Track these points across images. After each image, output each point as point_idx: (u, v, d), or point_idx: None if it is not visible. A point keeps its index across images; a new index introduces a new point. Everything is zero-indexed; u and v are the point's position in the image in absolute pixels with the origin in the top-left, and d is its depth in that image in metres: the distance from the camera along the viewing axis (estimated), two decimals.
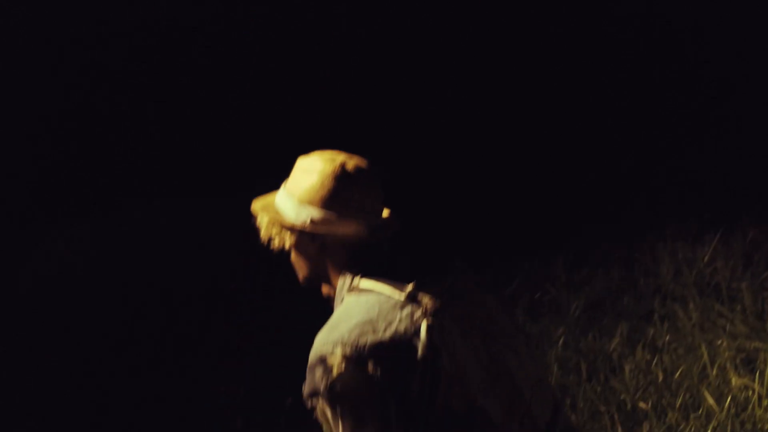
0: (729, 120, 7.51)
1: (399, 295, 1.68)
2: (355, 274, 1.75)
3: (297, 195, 1.77)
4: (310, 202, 1.74)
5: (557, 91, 8.10)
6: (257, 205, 1.85)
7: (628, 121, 7.90)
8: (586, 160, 7.19)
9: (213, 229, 7.97)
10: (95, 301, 6.44)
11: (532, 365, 1.80)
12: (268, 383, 4.29)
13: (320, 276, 1.82)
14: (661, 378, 3.88)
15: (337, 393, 1.58)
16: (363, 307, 1.67)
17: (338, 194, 1.73)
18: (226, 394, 4.28)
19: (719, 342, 4.12)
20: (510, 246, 5.80)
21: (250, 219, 1.84)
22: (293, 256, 1.83)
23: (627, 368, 4.04)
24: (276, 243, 1.81)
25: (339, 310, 1.74)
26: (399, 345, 1.61)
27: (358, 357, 1.59)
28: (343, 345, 1.61)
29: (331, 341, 1.63)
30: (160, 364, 4.75)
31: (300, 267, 1.84)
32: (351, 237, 1.75)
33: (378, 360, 1.59)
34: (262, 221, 1.83)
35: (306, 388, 1.64)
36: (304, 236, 1.77)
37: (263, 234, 1.82)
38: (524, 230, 6.05)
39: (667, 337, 4.23)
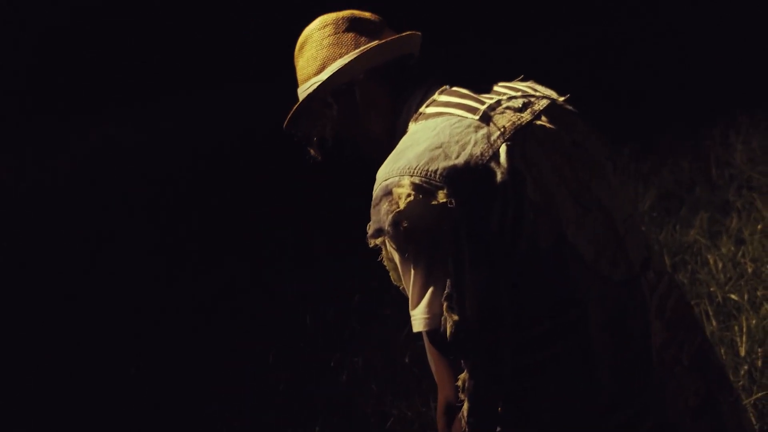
0: None
1: (472, 116, 1.45)
2: (413, 101, 1.55)
3: (309, 73, 1.61)
4: (323, 65, 1.59)
5: None
6: (287, 120, 1.65)
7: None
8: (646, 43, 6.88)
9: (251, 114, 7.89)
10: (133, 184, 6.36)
11: (622, 198, 1.57)
12: None
13: (386, 132, 1.60)
14: (751, 270, 3.69)
15: (405, 228, 1.35)
16: (431, 132, 1.44)
17: (338, 38, 1.59)
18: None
19: None
20: None
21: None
22: (350, 132, 1.64)
23: (711, 260, 3.85)
24: (327, 131, 1.64)
25: (403, 139, 1.51)
26: (475, 170, 1.36)
27: (428, 185, 1.35)
28: (411, 173, 1.37)
29: (396, 170, 1.40)
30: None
31: (365, 138, 1.64)
32: (381, 61, 1.58)
33: (452, 188, 1.35)
34: (300, 125, 1.65)
35: (370, 227, 1.41)
36: (341, 99, 1.59)
37: (312, 135, 1.65)
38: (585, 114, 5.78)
39: (759, 227, 4.01)
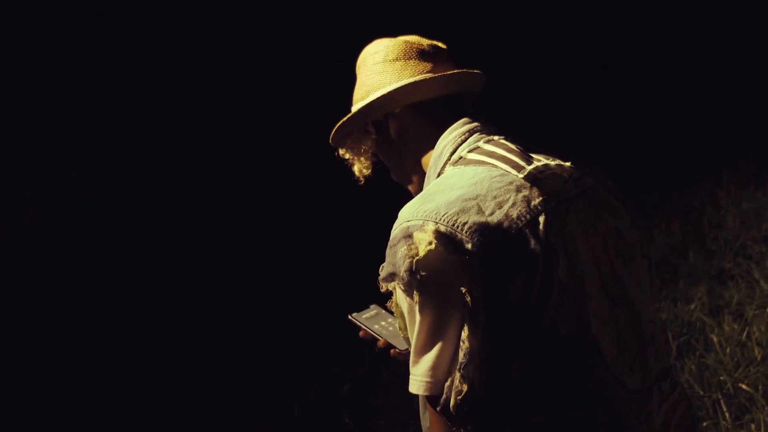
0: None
1: (516, 173, 1.31)
2: (452, 141, 1.42)
3: (357, 96, 1.55)
4: (368, 92, 1.51)
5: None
6: (330, 136, 1.59)
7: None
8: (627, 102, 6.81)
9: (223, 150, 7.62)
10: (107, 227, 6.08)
11: (651, 300, 1.44)
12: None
13: (420, 168, 1.50)
14: (759, 356, 3.55)
15: (420, 278, 1.23)
16: (468, 180, 1.31)
17: (384, 66, 1.51)
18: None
19: None
20: None
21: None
22: (386, 162, 1.57)
23: (716, 341, 3.71)
24: (365, 156, 1.56)
25: (436, 181, 1.37)
26: (508, 233, 1.24)
27: (453, 237, 1.23)
28: (437, 219, 1.25)
29: (422, 213, 1.28)
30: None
31: (398, 170, 1.56)
32: (421, 97, 1.47)
33: (479, 246, 1.22)
34: (343, 144, 1.57)
35: (383, 269, 1.31)
36: (380, 129, 1.52)
37: (354, 156, 1.57)
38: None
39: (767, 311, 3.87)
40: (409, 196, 1.50)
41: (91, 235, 6.06)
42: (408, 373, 1.30)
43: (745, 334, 3.75)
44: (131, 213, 6.40)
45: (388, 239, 1.31)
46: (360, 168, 1.59)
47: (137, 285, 5.08)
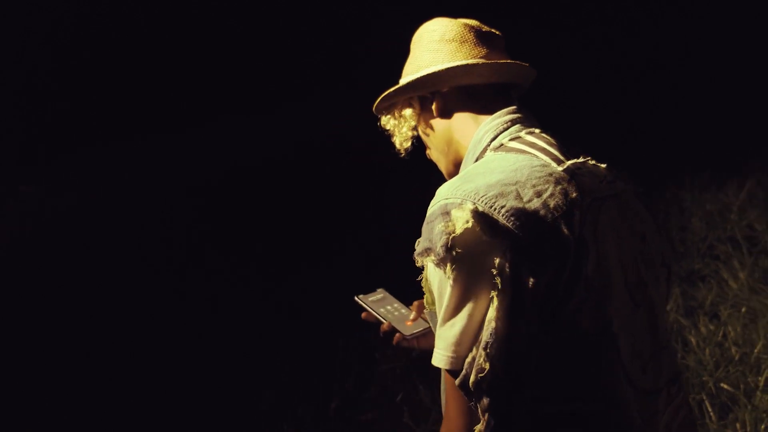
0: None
1: (556, 165, 1.36)
2: (493, 128, 1.46)
3: (408, 70, 1.58)
4: (418, 68, 1.54)
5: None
6: (375, 105, 1.62)
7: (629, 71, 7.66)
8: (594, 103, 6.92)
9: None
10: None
11: (665, 308, 1.50)
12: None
13: (457, 150, 1.53)
14: (737, 356, 3.65)
15: (455, 254, 1.25)
16: (509, 165, 1.35)
17: (440, 45, 1.53)
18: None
19: None
20: None
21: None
22: (424, 138, 1.60)
23: (694, 342, 3.80)
24: (405, 130, 1.59)
25: (476, 164, 1.41)
26: (543, 222, 1.27)
27: (490, 218, 1.26)
28: (475, 199, 1.28)
29: (461, 192, 1.31)
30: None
31: (435, 148, 1.58)
32: (470, 81, 1.50)
33: (514, 230, 1.25)
34: (386, 114, 1.62)
35: (419, 244, 1.33)
36: (424, 105, 1.55)
37: (395, 128, 1.61)
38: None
39: (743, 310, 3.98)
40: (437, 181, 1.51)
41: (81, 242, 5.89)
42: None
43: (721, 334, 3.85)
44: (119, 221, 6.23)
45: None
46: (400, 141, 1.61)
47: (123, 299, 4.97)
